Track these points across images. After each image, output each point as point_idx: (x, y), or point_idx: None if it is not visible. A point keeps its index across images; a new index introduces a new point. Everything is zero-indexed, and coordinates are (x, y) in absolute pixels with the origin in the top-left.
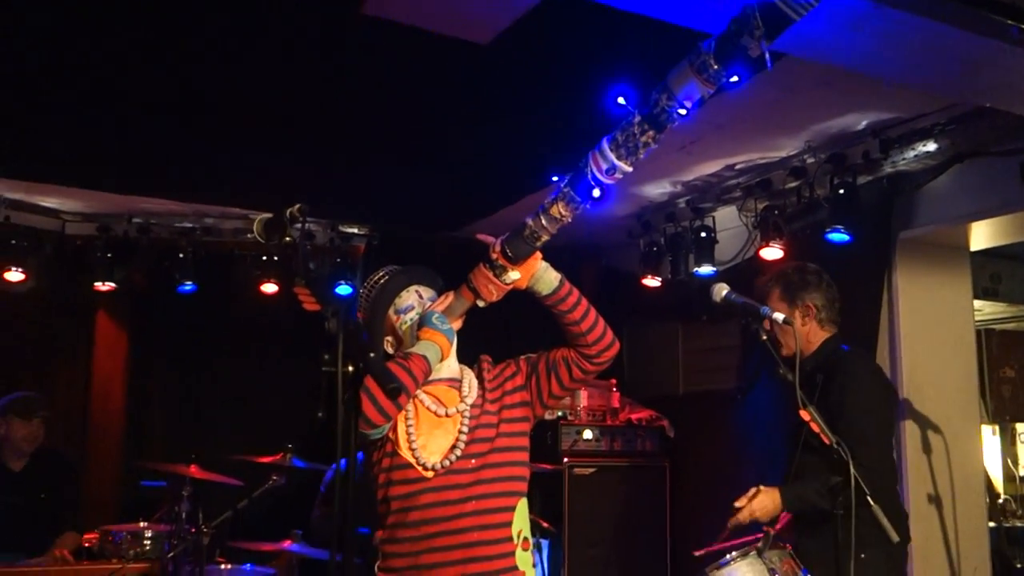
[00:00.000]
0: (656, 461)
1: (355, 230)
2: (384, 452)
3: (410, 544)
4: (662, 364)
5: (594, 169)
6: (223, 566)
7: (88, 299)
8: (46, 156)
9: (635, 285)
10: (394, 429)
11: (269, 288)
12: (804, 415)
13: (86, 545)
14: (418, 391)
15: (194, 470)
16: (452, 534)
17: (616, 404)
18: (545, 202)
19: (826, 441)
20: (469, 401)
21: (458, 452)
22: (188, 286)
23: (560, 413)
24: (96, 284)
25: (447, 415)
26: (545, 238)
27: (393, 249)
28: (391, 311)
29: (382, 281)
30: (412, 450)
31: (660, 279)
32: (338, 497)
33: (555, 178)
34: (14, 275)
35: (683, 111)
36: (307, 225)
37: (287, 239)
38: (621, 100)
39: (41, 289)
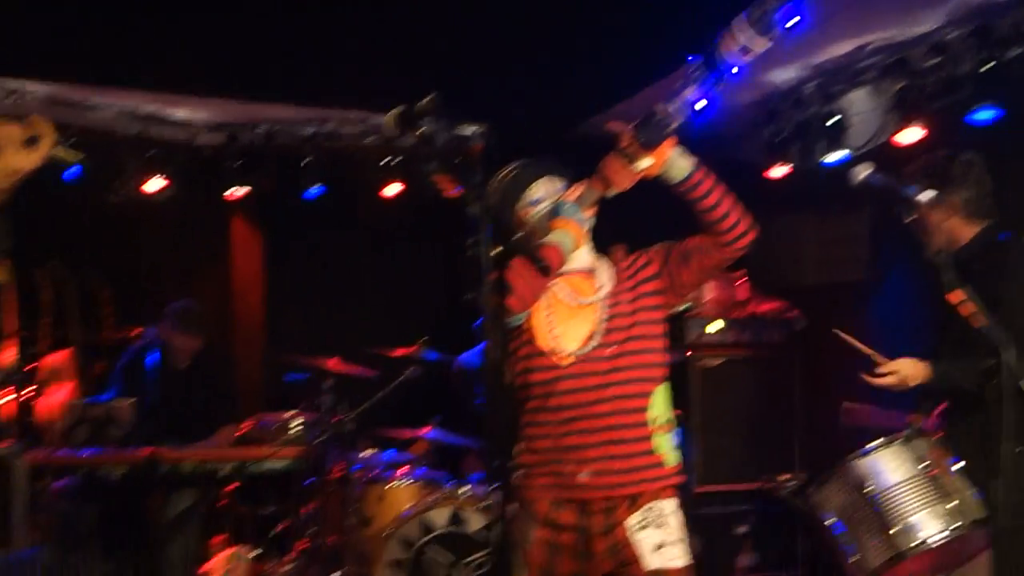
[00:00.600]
0: (784, 353)
1: (472, 130)
2: (522, 341)
3: (552, 427)
4: (789, 256)
5: (728, 48)
6: (367, 452)
7: (222, 206)
8: (175, 67)
9: (760, 176)
10: (531, 318)
11: (392, 189)
12: (955, 297)
13: (239, 434)
14: (553, 282)
15: (334, 363)
16: (592, 418)
17: (743, 296)
18: (677, 86)
19: (977, 324)
20: (605, 291)
21: (596, 340)
22: (314, 189)
23: (685, 305)
24: (229, 191)
25: (583, 305)
26: (677, 124)
27: (511, 147)
28: (521, 203)
29: (511, 174)
30: (550, 339)
31: (787, 168)
32: (487, 382)
33: (688, 59)
34: (153, 185)
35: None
36: (425, 126)
37: (420, 130)
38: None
39: (178, 198)
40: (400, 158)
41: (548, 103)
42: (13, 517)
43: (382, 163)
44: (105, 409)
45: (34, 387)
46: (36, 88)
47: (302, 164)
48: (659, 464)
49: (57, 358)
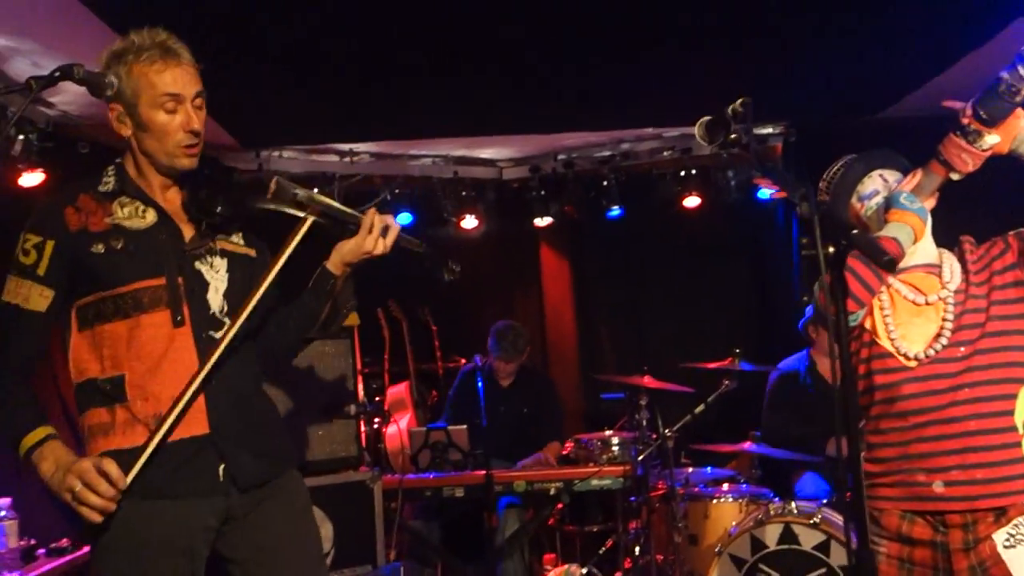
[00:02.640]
0: None
1: (769, 130)
2: (862, 342)
3: (897, 434)
4: None
5: None
6: (687, 469)
7: (530, 235)
8: (481, 110)
9: None
10: (869, 316)
11: (691, 202)
12: None
13: (563, 453)
14: (892, 279)
15: (648, 380)
16: (945, 423)
17: None
18: (1022, 50)
19: None
20: (952, 287)
21: (944, 340)
22: (615, 211)
23: None
24: (535, 221)
25: (927, 303)
26: None
27: (813, 143)
28: (854, 199)
29: (840, 171)
30: (892, 340)
31: None
32: (839, 395)
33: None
34: (468, 222)
35: None
36: (735, 132)
37: (732, 136)
38: None
39: (490, 231)
40: (694, 172)
41: (845, 92)
42: (375, 536)
43: (678, 179)
44: (445, 434)
45: (380, 418)
46: (366, 147)
47: (603, 185)
48: None
49: (398, 389)
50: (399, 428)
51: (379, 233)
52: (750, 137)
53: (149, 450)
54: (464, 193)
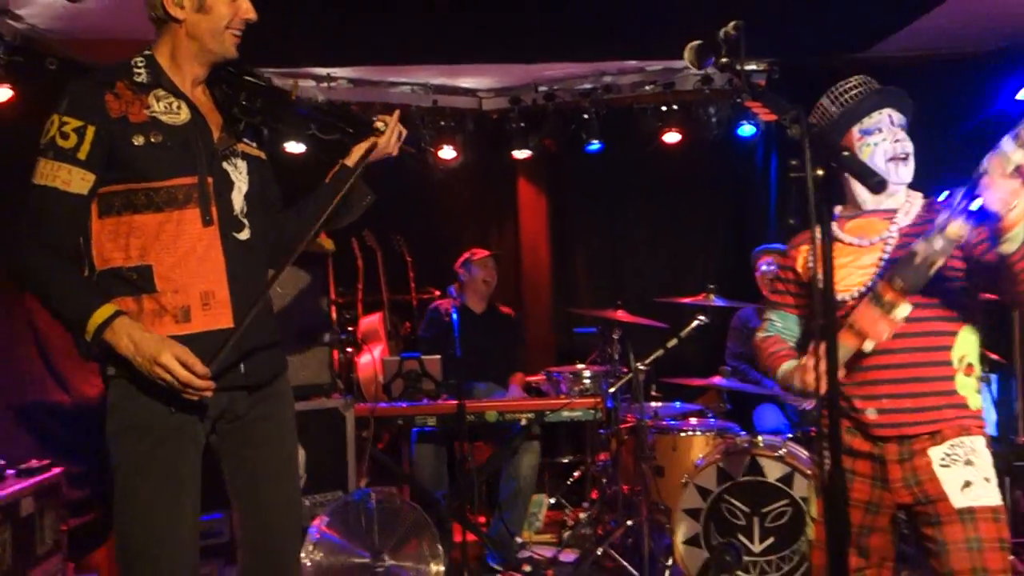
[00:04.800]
0: None
1: (752, 66)
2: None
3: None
4: None
5: (992, 174)
6: (654, 404)
7: (509, 167)
8: (461, 38)
9: None
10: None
11: (672, 137)
12: None
13: (534, 385)
14: (837, 231)
15: (621, 314)
16: (880, 353)
17: None
18: (938, 220)
19: None
20: (900, 225)
21: (877, 276)
22: (595, 145)
23: None
24: (514, 153)
25: (871, 244)
26: (941, 263)
27: (795, 81)
28: (855, 128)
29: (852, 93)
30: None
31: None
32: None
33: (944, 194)
34: (447, 152)
35: None
36: (726, 57)
37: (723, 60)
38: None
39: (468, 162)
40: (676, 107)
41: (831, 29)
42: (346, 462)
43: (659, 114)
44: (418, 364)
45: (353, 347)
46: (343, 73)
47: (583, 118)
48: (961, 404)
49: (371, 320)
50: (372, 357)
51: (398, 136)
52: (742, 61)
53: (236, 336)
54: (443, 123)
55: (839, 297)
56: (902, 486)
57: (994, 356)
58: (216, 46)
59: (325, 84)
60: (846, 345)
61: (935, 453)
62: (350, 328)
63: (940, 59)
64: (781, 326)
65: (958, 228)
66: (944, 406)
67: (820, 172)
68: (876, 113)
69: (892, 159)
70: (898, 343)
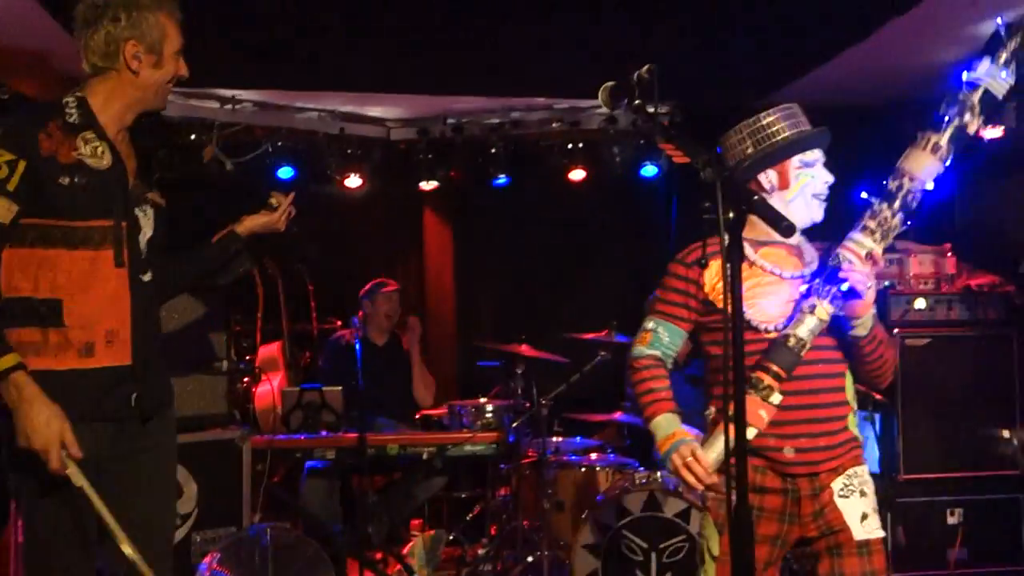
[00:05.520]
0: (1001, 330)
1: (659, 108)
2: (716, 312)
3: None
4: (1007, 225)
5: (849, 271)
6: (555, 439)
7: (415, 198)
8: (371, 67)
9: (971, 139)
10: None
11: (577, 175)
12: None
13: (435, 418)
14: (754, 254)
15: (525, 349)
16: (793, 394)
17: (951, 270)
18: (803, 304)
19: None
20: (809, 267)
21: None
22: (502, 179)
23: (888, 283)
24: (421, 184)
25: (791, 278)
26: (809, 345)
27: (697, 124)
28: (797, 158)
29: (791, 122)
30: (753, 308)
31: (1002, 129)
32: (729, 357)
33: (805, 288)
34: (352, 180)
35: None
36: (639, 98)
37: (636, 102)
38: (864, 195)
39: (374, 191)
40: (581, 145)
41: (733, 77)
42: (241, 496)
43: (566, 151)
44: (319, 395)
45: (251, 377)
46: (249, 96)
47: (491, 152)
48: (854, 438)
49: (270, 349)
50: (271, 386)
51: (287, 215)
52: (655, 103)
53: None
54: (350, 151)
55: (761, 326)
56: (811, 520)
57: (877, 396)
58: (156, 99)
59: (229, 106)
60: (719, 433)
61: (836, 485)
62: (248, 357)
63: (835, 110)
64: (667, 341)
65: (826, 311)
66: (845, 441)
67: (731, 215)
68: (818, 149)
69: (816, 196)
70: (806, 384)
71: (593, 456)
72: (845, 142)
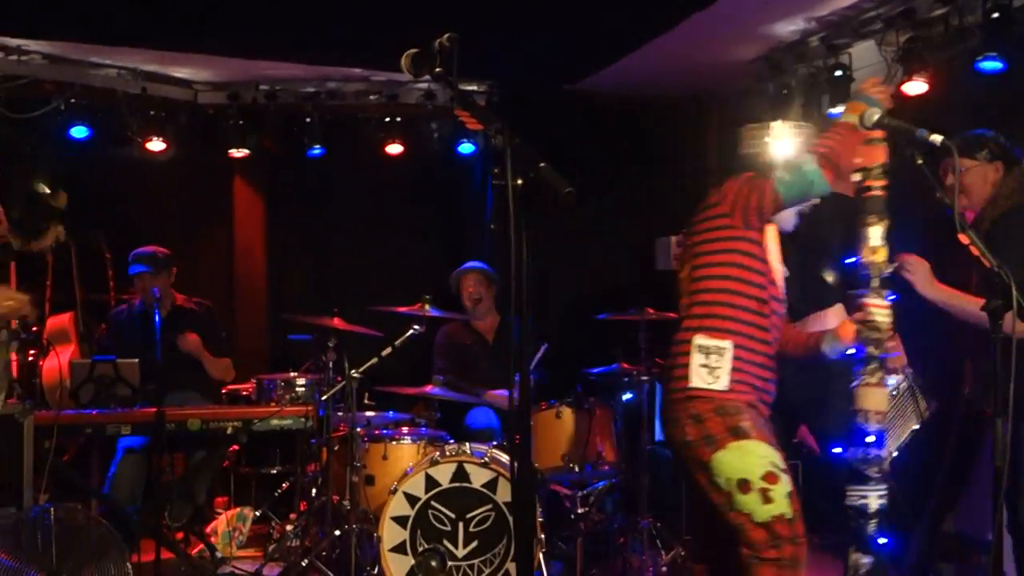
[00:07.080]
0: None
1: (474, 87)
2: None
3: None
4: None
5: None
6: (367, 413)
7: (225, 165)
8: (178, 25)
9: None
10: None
11: (394, 149)
12: (963, 239)
13: (244, 393)
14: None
15: (337, 322)
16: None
17: None
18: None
19: (987, 264)
20: None
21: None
22: (317, 150)
23: None
24: (231, 151)
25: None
26: None
27: (514, 105)
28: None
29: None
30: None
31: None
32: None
33: None
34: (155, 144)
35: None
36: (440, 66)
37: (437, 70)
38: None
39: (180, 158)
40: (399, 119)
41: (550, 60)
42: (22, 475)
43: (383, 125)
44: (112, 368)
45: (38, 349)
46: (38, 47)
47: (305, 122)
48: None
49: (59, 320)
50: (58, 359)
51: None
52: (455, 71)
53: None
54: (152, 113)
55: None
56: None
57: None
58: None
59: (15, 58)
60: None
61: None
62: (34, 328)
63: (643, 101)
64: None
65: None
66: None
67: (520, 181)
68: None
69: None
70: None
71: (404, 430)
72: (648, 131)
